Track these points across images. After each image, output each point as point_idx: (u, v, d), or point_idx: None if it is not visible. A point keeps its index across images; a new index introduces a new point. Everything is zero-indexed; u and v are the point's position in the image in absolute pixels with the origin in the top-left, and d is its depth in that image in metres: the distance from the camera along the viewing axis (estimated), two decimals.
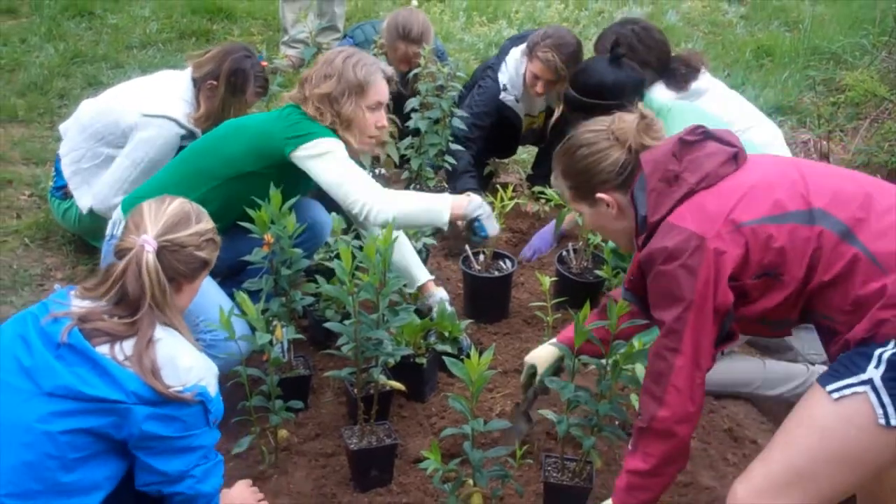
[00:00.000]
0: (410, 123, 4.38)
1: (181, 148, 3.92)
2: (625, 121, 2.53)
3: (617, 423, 3.02)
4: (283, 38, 7.02)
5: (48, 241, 4.53)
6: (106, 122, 4.14)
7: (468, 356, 2.60)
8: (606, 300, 2.79)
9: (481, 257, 4.06)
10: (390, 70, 3.62)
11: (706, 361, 2.33)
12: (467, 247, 4.06)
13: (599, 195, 2.53)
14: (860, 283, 2.20)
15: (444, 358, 2.74)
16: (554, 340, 3.01)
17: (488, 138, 4.91)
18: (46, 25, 7.10)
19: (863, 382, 2.15)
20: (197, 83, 4.08)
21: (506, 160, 5.36)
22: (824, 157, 5.79)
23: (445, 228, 3.41)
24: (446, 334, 3.49)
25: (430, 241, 4.03)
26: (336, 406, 3.46)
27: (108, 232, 3.54)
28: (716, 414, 3.49)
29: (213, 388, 2.44)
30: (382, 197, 3.31)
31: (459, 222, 3.41)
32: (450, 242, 4.46)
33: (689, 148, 2.40)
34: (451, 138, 4.46)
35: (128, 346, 2.34)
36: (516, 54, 4.78)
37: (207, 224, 2.59)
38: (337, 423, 3.29)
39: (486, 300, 4.02)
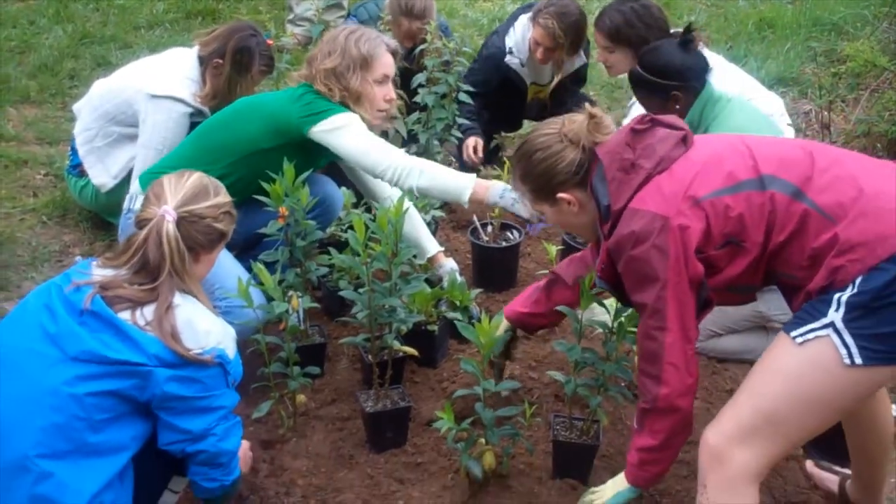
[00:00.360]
0: (417, 99, 4.46)
1: (193, 125, 4.02)
2: (574, 121, 2.61)
3: (623, 383, 3.13)
4: (288, 16, 7.09)
5: (65, 218, 4.63)
6: (116, 102, 4.24)
7: (479, 322, 2.71)
8: (553, 276, 3.05)
9: (489, 228, 4.16)
10: (394, 43, 3.71)
11: (693, 333, 2.44)
12: (475, 217, 4.17)
13: (560, 195, 2.63)
14: (813, 236, 2.29)
15: (456, 323, 2.85)
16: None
17: (494, 105, 4.99)
18: (54, 7, 7.16)
19: (825, 326, 2.24)
20: (203, 61, 4.17)
21: (512, 134, 5.44)
22: (825, 127, 5.85)
23: (466, 206, 3.50)
24: (457, 303, 3.59)
25: (438, 213, 4.13)
26: (351, 372, 3.57)
27: (125, 206, 3.64)
28: (718, 375, 3.61)
29: (231, 351, 2.53)
30: (412, 162, 3.40)
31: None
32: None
33: (640, 136, 2.50)
34: (457, 112, 4.55)
35: (148, 311, 2.43)
36: (524, 20, 4.87)
37: (225, 198, 2.67)
38: (352, 389, 3.40)
39: (495, 270, 4.13)
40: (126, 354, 2.36)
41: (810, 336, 2.26)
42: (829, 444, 2.97)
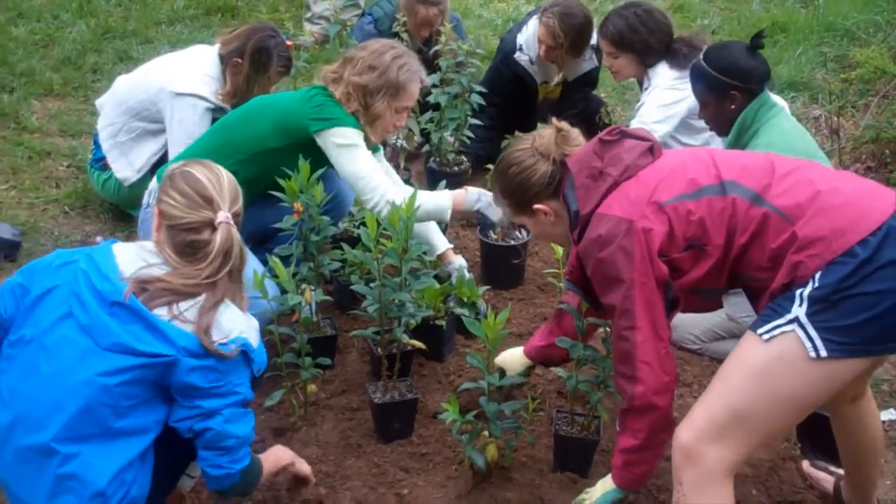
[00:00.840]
0: (430, 98, 4.56)
1: (213, 121, 4.14)
2: (544, 136, 2.75)
3: None
4: (306, 14, 7.19)
5: (86, 209, 4.77)
6: (140, 98, 4.37)
7: (485, 318, 2.81)
8: (548, 325, 3.18)
9: (497, 227, 4.26)
10: (427, 79, 3.83)
11: (664, 331, 2.53)
12: None
13: (536, 206, 2.76)
14: (773, 237, 2.39)
15: (463, 318, 2.96)
16: (521, 349, 3.30)
17: (506, 107, 5.12)
18: (77, 2, 7.27)
19: (790, 321, 2.32)
20: (223, 60, 4.30)
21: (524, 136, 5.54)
22: (834, 132, 5.92)
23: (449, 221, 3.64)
24: (465, 299, 3.69)
25: None
26: (360, 364, 3.68)
27: (144, 201, 3.76)
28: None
29: (254, 341, 2.61)
30: (395, 195, 3.53)
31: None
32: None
33: (608, 146, 2.62)
34: (469, 113, 4.65)
35: (184, 304, 2.51)
36: (535, 18, 4.98)
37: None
38: (362, 380, 3.51)
39: (502, 267, 4.23)
40: (156, 347, 2.44)
41: (776, 332, 2.34)
42: (826, 445, 3.05)
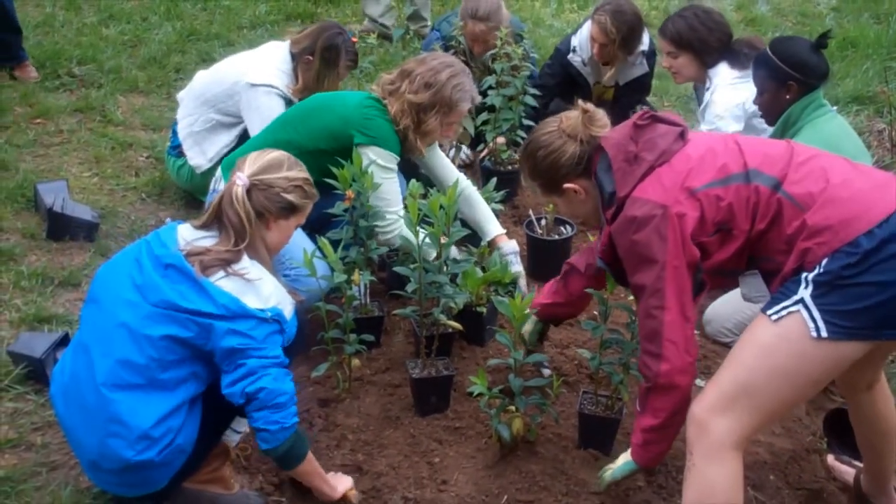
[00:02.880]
0: (486, 100, 4.76)
1: None
2: (570, 118, 2.90)
3: None
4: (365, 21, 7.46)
5: (162, 196, 5.08)
6: (217, 91, 4.69)
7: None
8: (567, 267, 3.36)
9: (543, 222, 4.44)
10: (479, 98, 4.03)
11: (691, 314, 2.67)
12: (531, 211, 4.46)
13: (567, 185, 2.91)
14: (787, 223, 2.53)
15: (493, 297, 3.13)
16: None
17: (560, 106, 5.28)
18: (165, 5, 7.69)
19: (796, 302, 2.46)
20: (295, 58, 4.58)
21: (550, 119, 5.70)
22: (895, 146, 5.95)
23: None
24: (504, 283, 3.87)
25: (498, 206, 4.40)
26: (405, 345, 3.89)
27: (210, 188, 4.04)
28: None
29: (288, 313, 2.82)
30: (401, 228, 3.75)
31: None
32: None
33: (642, 131, 2.76)
34: (523, 114, 4.83)
35: (231, 269, 2.76)
36: (590, 22, 5.15)
37: (299, 173, 2.97)
38: (405, 359, 3.69)
39: (548, 261, 4.37)
40: (198, 304, 2.68)
41: (783, 313, 2.48)
42: (853, 442, 3.14)
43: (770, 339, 2.51)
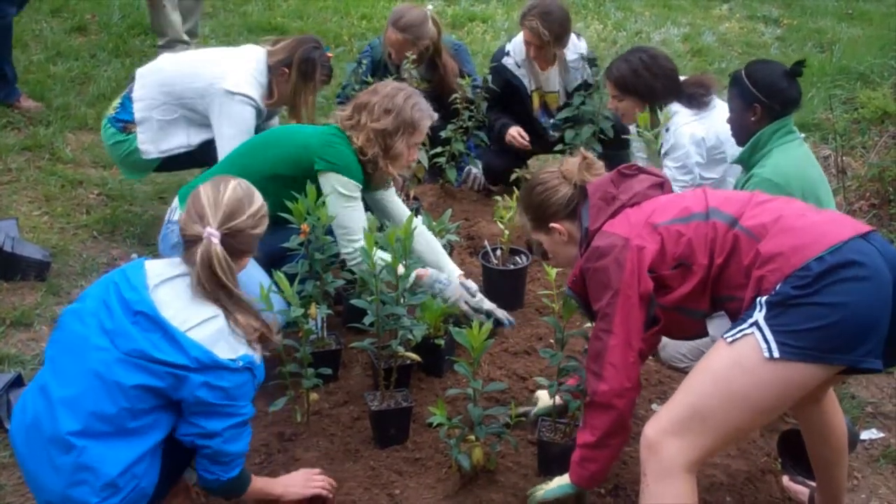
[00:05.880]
0: (442, 133, 4.85)
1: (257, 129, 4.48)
2: (570, 163, 3.09)
3: None
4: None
5: (114, 234, 5.04)
6: (188, 86, 4.60)
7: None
8: None
9: (498, 252, 4.48)
10: (436, 115, 4.09)
11: (637, 342, 2.74)
12: (486, 242, 4.50)
13: (552, 225, 3.05)
14: (744, 255, 2.61)
15: (451, 329, 3.15)
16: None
17: (503, 113, 5.52)
18: (114, 42, 7.65)
19: (750, 325, 2.52)
20: (271, 70, 4.59)
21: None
22: (841, 171, 6.08)
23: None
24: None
25: (454, 237, 4.45)
26: (363, 378, 3.88)
27: (166, 218, 4.03)
28: None
29: (257, 357, 2.83)
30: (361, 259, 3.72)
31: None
32: None
33: (625, 178, 2.93)
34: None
35: (200, 316, 2.73)
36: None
37: (258, 202, 2.93)
38: (363, 392, 3.69)
39: (504, 291, 4.41)
40: (171, 355, 2.65)
41: (738, 335, 2.54)
42: (807, 462, 3.19)
43: (725, 363, 2.56)
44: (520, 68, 5.39)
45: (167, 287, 2.78)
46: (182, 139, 4.68)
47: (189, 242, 2.82)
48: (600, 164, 3.10)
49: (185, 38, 7.32)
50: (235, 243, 2.84)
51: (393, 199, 4.27)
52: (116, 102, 4.84)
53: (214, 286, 2.77)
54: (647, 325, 2.75)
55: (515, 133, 5.40)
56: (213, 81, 4.51)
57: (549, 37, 5.08)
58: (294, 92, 4.58)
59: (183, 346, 2.67)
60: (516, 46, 5.37)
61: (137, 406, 2.67)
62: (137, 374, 2.65)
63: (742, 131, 3.77)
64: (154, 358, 2.65)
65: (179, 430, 2.77)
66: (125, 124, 4.73)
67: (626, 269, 2.68)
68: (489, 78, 5.37)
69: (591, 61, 5.34)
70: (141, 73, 4.83)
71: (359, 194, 3.87)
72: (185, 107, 4.63)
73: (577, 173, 3.04)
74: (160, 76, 4.72)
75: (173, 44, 7.20)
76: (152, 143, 4.69)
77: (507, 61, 5.40)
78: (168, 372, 2.65)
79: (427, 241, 4.13)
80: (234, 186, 2.91)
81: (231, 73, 4.53)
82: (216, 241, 2.77)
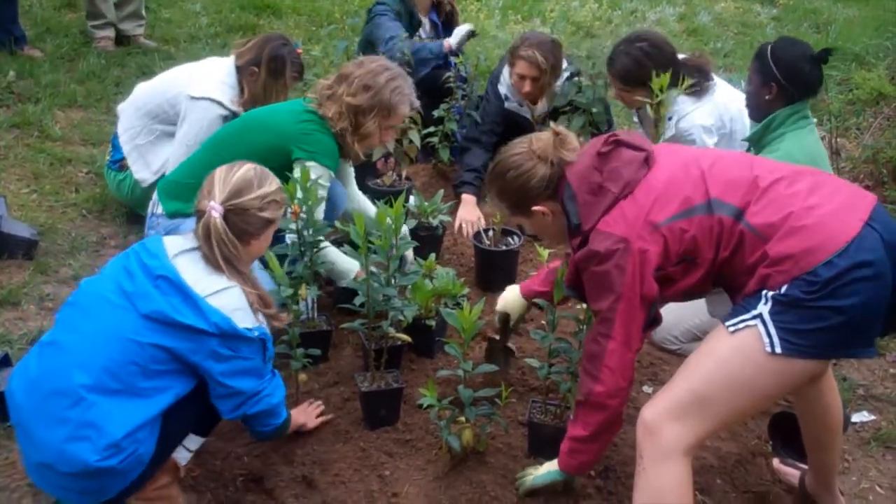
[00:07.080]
0: (435, 112, 4.79)
1: None
2: (541, 140, 2.88)
3: None
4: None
5: (103, 213, 5.00)
6: (159, 101, 4.63)
7: None
8: (546, 270, 3.34)
9: (490, 233, 4.46)
10: (417, 102, 4.03)
11: (636, 343, 2.71)
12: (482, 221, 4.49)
13: (535, 208, 2.89)
14: (749, 252, 2.57)
15: (441, 310, 3.13)
16: (518, 288, 3.50)
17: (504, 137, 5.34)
18: None
19: (754, 317, 2.50)
20: (240, 70, 4.53)
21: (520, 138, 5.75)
22: (836, 153, 6.06)
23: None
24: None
25: (446, 218, 4.42)
26: (354, 359, 3.86)
27: (148, 211, 4.00)
28: None
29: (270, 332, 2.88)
30: (325, 254, 3.78)
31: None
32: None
33: (606, 158, 2.75)
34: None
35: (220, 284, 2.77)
36: (507, 67, 5.16)
37: (270, 187, 2.93)
38: (353, 373, 3.67)
39: (496, 272, 4.41)
40: (191, 319, 2.68)
41: (741, 325, 2.52)
42: (797, 444, 3.19)
43: (726, 351, 2.55)
44: (522, 107, 5.23)
45: (185, 257, 2.81)
46: (169, 150, 4.64)
47: (198, 217, 2.85)
48: (572, 136, 2.89)
49: (115, 18, 7.25)
50: (239, 221, 2.84)
51: (349, 171, 4.26)
52: (109, 148, 4.89)
53: (217, 260, 2.79)
54: (646, 326, 2.73)
55: (467, 229, 4.98)
56: (182, 90, 4.54)
57: (547, 66, 4.92)
58: (265, 90, 4.52)
59: (203, 311, 2.69)
60: (511, 90, 5.19)
61: (151, 366, 2.68)
62: (155, 333, 2.68)
63: (757, 108, 3.66)
64: (174, 321, 2.67)
65: (224, 408, 2.85)
66: (120, 163, 4.76)
67: (627, 273, 2.61)
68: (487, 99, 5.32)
69: (575, 74, 5.25)
70: (120, 108, 4.88)
71: (328, 183, 3.84)
72: (162, 122, 4.65)
73: (551, 151, 2.82)
74: (135, 104, 4.75)
75: (106, 26, 7.19)
76: (145, 168, 4.69)
77: (510, 105, 5.23)
78: (186, 335, 2.68)
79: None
80: (249, 168, 2.95)
81: (197, 80, 4.55)
82: (216, 214, 2.79)
